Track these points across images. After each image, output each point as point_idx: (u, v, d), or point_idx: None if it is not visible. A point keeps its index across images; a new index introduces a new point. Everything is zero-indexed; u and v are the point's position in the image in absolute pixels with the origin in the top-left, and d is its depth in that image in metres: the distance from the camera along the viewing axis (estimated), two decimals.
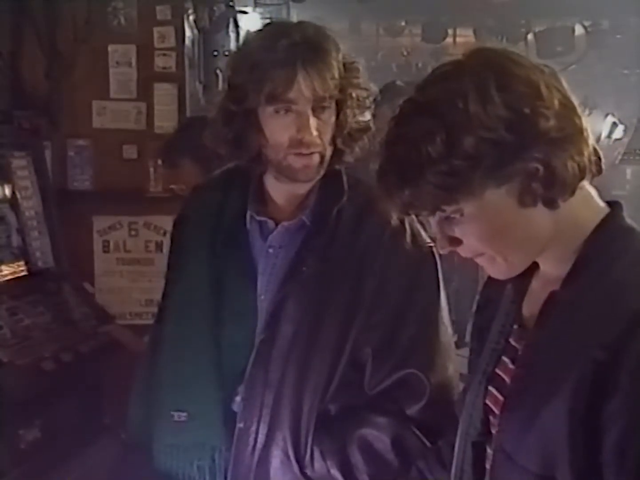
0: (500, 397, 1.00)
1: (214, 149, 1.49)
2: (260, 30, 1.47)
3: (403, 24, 6.42)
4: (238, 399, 1.46)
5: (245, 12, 4.37)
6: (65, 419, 2.26)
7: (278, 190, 1.49)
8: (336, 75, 1.38)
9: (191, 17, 3.36)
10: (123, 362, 2.29)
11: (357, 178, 1.53)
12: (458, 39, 6.23)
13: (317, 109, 1.38)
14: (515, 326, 1.03)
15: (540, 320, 0.97)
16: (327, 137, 1.41)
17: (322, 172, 1.44)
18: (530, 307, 1.02)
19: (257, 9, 4.60)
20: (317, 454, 1.41)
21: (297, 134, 1.37)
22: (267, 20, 4.64)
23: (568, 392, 0.86)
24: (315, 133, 1.37)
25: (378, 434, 1.41)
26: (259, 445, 1.43)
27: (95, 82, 3.20)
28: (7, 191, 2.53)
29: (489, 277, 1.12)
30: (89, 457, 2.26)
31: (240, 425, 1.44)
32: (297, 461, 1.41)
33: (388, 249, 1.44)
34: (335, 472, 1.41)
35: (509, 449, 0.94)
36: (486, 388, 1.03)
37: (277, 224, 1.48)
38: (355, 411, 1.44)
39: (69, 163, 3.24)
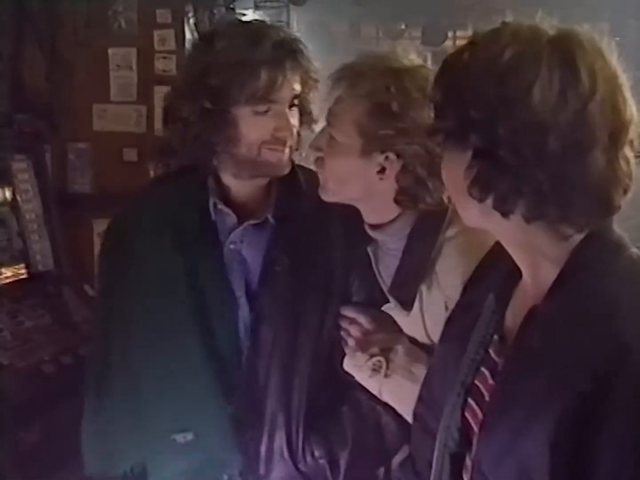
0: (479, 412, 0.97)
1: (172, 147, 1.44)
2: (227, 28, 1.43)
3: (403, 27, 6.42)
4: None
5: (245, 15, 4.38)
6: (65, 421, 2.26)
7: (239, 188, 1.48)
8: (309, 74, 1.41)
9: (191, 20, 3.36)
10: None
11: (307, 168, 1.53)
12: (458, 42, 6.24)
13: (291, 106, 1.41)
14: (495, 337, 0.99)
15: (519, 336, 0.93)
16: (296, 131, 1.44)
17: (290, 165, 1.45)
18: (513, 318, 0.98)
19: (257, 12, 4.61)
20: (307, 448, 1.44)
21: (276, 132, 1.38)
22: None
23: (550, 422, 0.81)
24: (294, 131, 1.41)
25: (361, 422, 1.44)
26: (264, 450, 1.44)
27: (95, 85, 3.20)
28: (8, 194, 2.54)
29: (471, 278, 1.13)
30: None
31: (246, 434, 1.44)
32: (291, 458, 1.44)
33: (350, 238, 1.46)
34: (323, 462, 1.44)
35: (486, 471, 0.91)
36: (465, 400, 1.00)
37: (238, 220, 1.46)
38: (338, 402, 1.46)
39: (69, 166, 3.24)
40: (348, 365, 1.41)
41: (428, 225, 1.33)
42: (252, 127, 1.38)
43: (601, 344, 0.81)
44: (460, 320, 1.10)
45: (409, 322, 1.38)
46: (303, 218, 1.47)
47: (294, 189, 1.48)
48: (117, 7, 3.18)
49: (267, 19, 4.64)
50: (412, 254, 1.34)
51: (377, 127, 1.29)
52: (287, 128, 1.39)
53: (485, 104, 0.86)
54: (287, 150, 1.42)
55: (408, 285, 1.33)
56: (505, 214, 0.89)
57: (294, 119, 1.42)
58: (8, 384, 2.04)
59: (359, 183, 1.34)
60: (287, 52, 1.36)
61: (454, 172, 0.93)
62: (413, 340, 1.40)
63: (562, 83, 0.84)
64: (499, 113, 0.85)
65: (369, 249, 1.45)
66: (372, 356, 1.37)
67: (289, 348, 1.44)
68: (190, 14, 3.34)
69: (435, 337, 1.32)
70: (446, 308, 1.28)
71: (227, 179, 1.48)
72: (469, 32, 5.88)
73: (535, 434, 0.83)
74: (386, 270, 1.41)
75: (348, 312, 1.44)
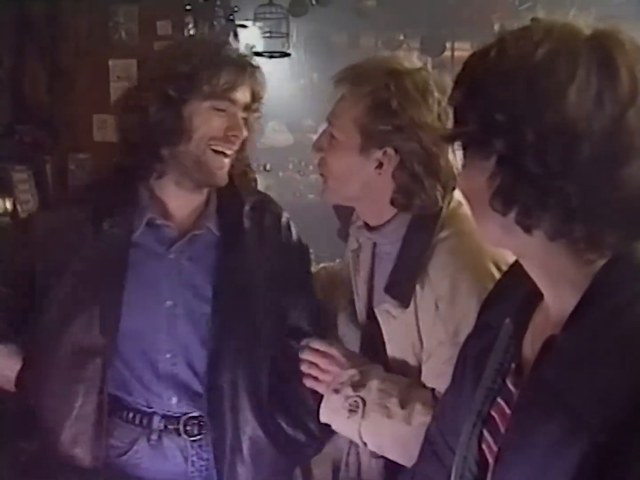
0: (493, 445, 0.92)
1: (129, 134, 1.47)
2: (191, 38, 1.59)
3: (401, 37, 6.45)
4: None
5: (245, 27, 4.41)
6: None
7: (179, 199, 1.52)
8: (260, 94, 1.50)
9: (192, 32, 3.38)
10: None
11: (257, 190, 1.64)
12: (456, 53, 6.28)
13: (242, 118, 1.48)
14: (513, 365, 0.92)
15: (535, 369, 0.85)
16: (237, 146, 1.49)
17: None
18: (532, 345, 0.90)
19: (257, 23, 4.63)
20: (276, 420, 1.54)
21: (228, 131, 1.44)
22: (267, 35, 4.69)
23: (570, 466, 0.75)
24: (245, 133, 1.47)
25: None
26: (230, 451, 1.49)
27: (96, 96, 3.22)
28: (8, 204, 2.56)
29: (488, 299, 1.07)
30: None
31: (212, 435, 1.48)
32: (263, 429, 1.52)
33: (285, 244, 1.57)
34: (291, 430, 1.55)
35: None
36: (481, 431, 0.94)
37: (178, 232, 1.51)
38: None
39: (69, 176, 3.26)
40: (325, 413, 1.39)
41: (422, 227, 1.36)
42: (207, 122, 1.44)
43: (619, 389, 0.73)
44: (476, 343, 1.03)
45: (400, 326, 1.38)
46: (246, 231, 1.53)
47: (234, 201, 1.54)
48: (118, 19, 3.20)
49: (266, 30, 4.67)
50: (406, 254, 1.37)
51: (376, 124, 1.33)
52: (239, 128, 1.46)
53: (512, 105, 0.78)
54: (227, 161, 1.47)
55: (404, 284, 1.36)
56: (528, 229, 0.81)
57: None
58: (8, 393, 2.04)
59: (358, 180, 1.37)
60: (247, 61, 1.48)
61: (475, 182, 0.84)
62: (394, 361, 1.41)
63: (600, 86, 0.76)
64: (527, 116, 0.77)
65: (351, 254, 1.52)
66: (347, 398, 1.35)
67: (252, 349, 1.50)
68: (190, 26, 3.36)
69: (427, 338, 1.34)
70: (437, 307, 1.30)
71: (168, 191, 1.51)
72: (468, 43, 5.91)
73: (555, 477, 0.77)
74: (382, 275, 1.43)
75: (318, 345, 1.43)
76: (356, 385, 1.35)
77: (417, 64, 1.38)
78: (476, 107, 0.82)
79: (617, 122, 0.76)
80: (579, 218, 0.78)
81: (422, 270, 1.33)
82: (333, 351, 1.41)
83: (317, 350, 1.42)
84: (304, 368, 1.43)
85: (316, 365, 1.42)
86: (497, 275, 1.23)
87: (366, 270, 1.49)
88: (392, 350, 1.41)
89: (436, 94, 1.33)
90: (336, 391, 1.37)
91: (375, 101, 1.32)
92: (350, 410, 1.34)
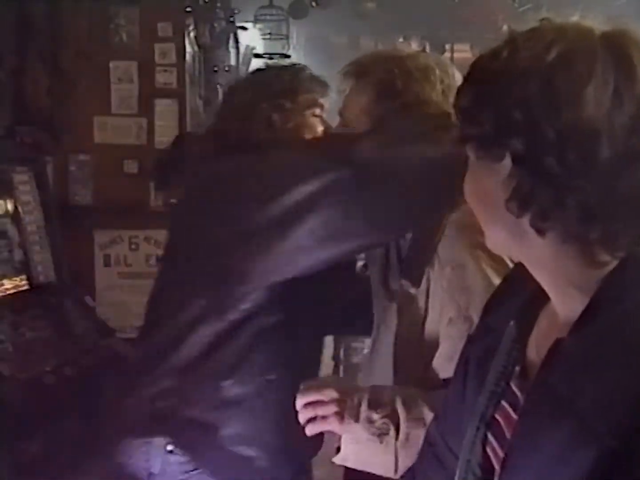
0: (499, 450, 0.90)
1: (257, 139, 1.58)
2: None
3: (401, 39, 6.46)
4: None
5: (245, 29, 4.43)
6: (66, 432, 2.26)
7: None
8: None
9: (192, 34, 3.39)
10: (124, 375, 2.30)
11: None
12: (456, 55, 6.29)
13: None
14: (517, 368, 0.91)
15: (541, 373, 0.83)
16: None
17: None
18: (536, 348, 0.89)
19: (257, 25, 4.65)
20: None
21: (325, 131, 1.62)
22: (267, 36, 4.71)
23: (580, 472, 0.73)
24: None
25: None
26: None
27: (96, 98, 3.23)
28: (9, 206, 2.55)
29: (490, 300, 1.04)
30: (90, 470, 2.26)
31: None
32: None
33: None
34: None
35: None
36: (485, 434, 0.92)
37: None
38: None
39: (70, 178, 3.26)
40: (348, 450, 1.19)
41: None
42: (312, 127, 1.61)
43: (628, 394, 0.72)
44: (478, 345, 1.01)
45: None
46: None
47: None
48: (118, 21, 3.21)
49: (266, 32, 4.68)
50: (418, 235, 1.41)
51: (383, 106, 1.39)
52: (331, 126, 1.61)
53: (529, 103, 0.77)
54: None
55: (416, 265, 1.39)
56: (542, 231, 0.79)
57: None
58: (9, 394, 2.05)
59: None
60: (322, 78, 1.68)
61: (487, 185, 0.83)
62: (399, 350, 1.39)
63: (617, 84, 0.76)
64: (545, 114, 0.76)
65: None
66: (371, 422, 1.16)
67: None
68: (191, 27, 3.37)
69: (435, 318, 1.34)
70: (446, 283, 1.32)
71: None
72: (467, 45, 5.90)
73: None
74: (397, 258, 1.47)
75: (309, 383, 1.25)
76: (375, 406, 1.17)
77: (416, 49, 1.50)
78: (491, 106, 0.80)
79: (636, 119, 0.76)
80: (597, 218, 0.77)
81: (433, 250, 1.35)
82: (328, 380, 1.33)
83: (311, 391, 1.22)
84: (308, 413, 1.20)
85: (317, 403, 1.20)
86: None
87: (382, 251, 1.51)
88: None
89: (438, 72, 1.39)
90: (356, 419, 1.16)
91: (381, 87, 1.40)
92: (381, 434, 1.15)
